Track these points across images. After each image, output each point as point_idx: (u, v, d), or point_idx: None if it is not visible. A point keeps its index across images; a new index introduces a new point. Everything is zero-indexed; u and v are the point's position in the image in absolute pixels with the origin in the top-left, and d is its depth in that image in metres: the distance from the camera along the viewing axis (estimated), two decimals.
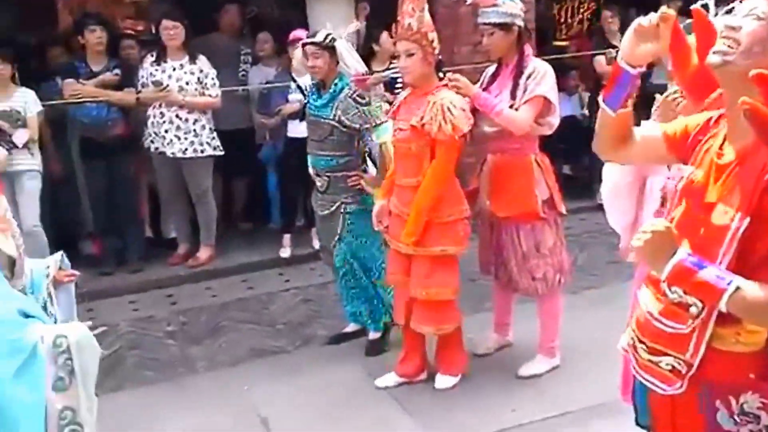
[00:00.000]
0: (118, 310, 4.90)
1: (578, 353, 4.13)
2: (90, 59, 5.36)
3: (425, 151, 3.72)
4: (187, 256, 5.61)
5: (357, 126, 4.10)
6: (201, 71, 5.35)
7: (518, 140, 3.85)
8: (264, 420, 3.82)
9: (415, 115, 3.70)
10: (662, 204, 2.87)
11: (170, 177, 5.52)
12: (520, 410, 3.73)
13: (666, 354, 1.89)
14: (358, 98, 4.10)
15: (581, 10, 7.87)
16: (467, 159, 4.16)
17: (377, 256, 4.31)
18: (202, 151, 5.38)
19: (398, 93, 5.10)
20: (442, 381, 3.99)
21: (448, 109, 3.62)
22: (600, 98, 1.99)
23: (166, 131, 5.31)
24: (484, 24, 3.87)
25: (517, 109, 3.78)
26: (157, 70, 5.31)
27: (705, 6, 2.20)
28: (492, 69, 4.03)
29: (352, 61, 4.19)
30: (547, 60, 4.06)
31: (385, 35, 5.61)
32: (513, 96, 3.80)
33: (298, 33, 5.13)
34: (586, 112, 7.11)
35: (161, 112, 5.32)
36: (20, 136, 4.97)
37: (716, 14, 2.16)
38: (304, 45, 4.20)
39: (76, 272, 2.74)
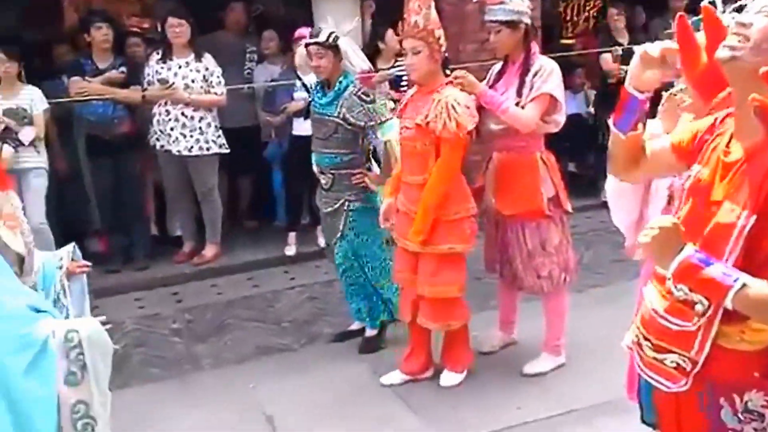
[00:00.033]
0: (124, 308, 4.91)
1: (584, 351, 4.12)
2: (96, 57, 5.37)
3: (430, 149, 3.72)
4: (193, 254, 5.62)
5: (362, 124, 4.10)
6: (207, 69, 5.35)
7: (524, 138, 3.84)
8: (269, 417, 3.83)
9: (420, 113, 3.70)
10: (669, 202, 2.86)
11: (176, 175, 5.53)
12: (525, 408, 3.73)
13: (671, 351, 1.89)
14: (362, 96, 4.10)
15: (587, 8, 7.85)
16: (473, 157, 4.16)
17: (379, 254, 4.31)
18: (207, 149, 5.39)
19: (404, 91, 5.10)
20: (448, 378, 3.99)
21: (453, 106, 3.62)
22: (611, 122, 2.05)
23: (172, 129, 5.32)
24: (491, 21, 3.87)
25: (523, 107, 3.78)
26: (162, 68, 5.32)
27: (713, 3, 2.19)
28: (498, 66, 4.03)
29: (356, 59, 4.19)
30: (552, 58, 4.05)
31: (390, 33, 5.61)
32: (519, 94, 3.79)
33: (304, 31, 5.12)
34: (592, 110, 7.11)
35: (167, 110, 5.33)
36: (26, 134, 4.98)
37: (723, 11, 2.16)
38: (307, 45, 4.19)
39: (89, 263, 2.76)
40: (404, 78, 5.42)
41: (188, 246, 5.69)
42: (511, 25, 3.81)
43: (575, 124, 6.08)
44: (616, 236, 3.19)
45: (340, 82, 4.13)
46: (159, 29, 5.72)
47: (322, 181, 4.30)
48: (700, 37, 2.18)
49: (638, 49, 1.94)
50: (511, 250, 3.97)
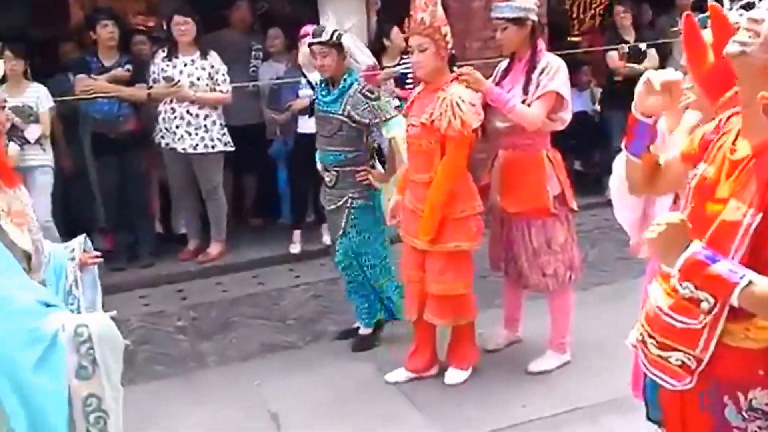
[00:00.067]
0: (129, 305, 4.91)
1: (589, 349, 4.12)
2: (101, 54, 5.38)
3: (436, 147, 3.72)
4: (198, 252, 5.62)
5: (367, 121, 4.10)
6: (212, 67, 5.36)
7: (530, 136, 3.83)
8: (274, 415, 3.83)
9: (426, 111, 3.70)
10: (675, 201, 2.85)
11: (181, 173, 5.54)
12: (530, 406, 3.72)
13: (676, 349, 1.89)
14: (367, 93, 4.10)
15: (593, 6, 7.83)
16: (479, 155, 4.15)
17: (380, 252, 4.31)
18: (212, 147, 5.39)
19: (409, 88, 5.10)
20: (453, 375, 3.99)
21: (457, 104, 3.61)
22: (623, 147, 2.09)
23: (177, 127, 5.33)
24: (498, 18, 3.86)
25: (529, 105, 3.77)
26: (168, 65, 5.33)
27: (719, 0, 2.19)
28: (504, 64, 4.02)
29: (361, 56, 4.18)
30: (558, 55, 4.04)
31: (395, 30, 5.61)
32: (525, 91, 3.79)
33: (309, 28, 5.10)
34: (598, 107, 7.08)
35: (172, 108, 5.33)
36: (32, 132, 4.99)
37: (731, 8, 2.15)
38: (310, 45, 4.19)
39: (100, 254, 2.77)
40: (409, 75, 5.42)
41: (193, 244, 5.69)
42: (518, 22, 3.81)
43: (581, 122, 6.06)
44: (622, 234, 3.18)
45: (345, 80, 4.13)
46: (164, 27, 5.72)
47: (326, 179, 4.30)
48: (707, 34, 2.18)
49: (643, 77, 1.99)
50: (517, 248, 3.96)
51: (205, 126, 5.34)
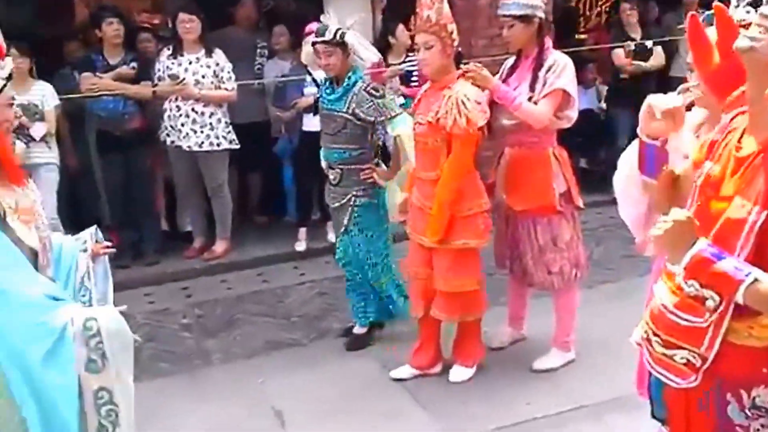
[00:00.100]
0: (134, 303, 4.90)
1: (594, 347, 4.11)
2: (107, 52, 5.39)
3: (442, 145, 3.71)
4: (203, 250, 5.64)
5: (371, 119, 4.09)
6: (217, 65, 5.36)
7: (536, 133, 3.82)
8: (278, 412, 3.83)
9: (431, 109, 3.69)
10: None
11: (186, 170, 5.55)
12: (535, 404, 3.72)
13: (680, 347, 1.89)
14: (372, 91, 4.09)
15: (600, 3, 7.82)
16: (485, 152, 4.14)
17: (382, 251, 4.30)
18: (218, 145, 5.40)
19: (414, 86, 5.09)
20: (458, 373, 3.98)
21: (463, 102, 3.60)
22: (638, 172, 2.15)
23: (183, 125, 5.34)
24: (505, 15, 3.84)
25: (536, 103, 3.76)
26: (173, 63, 5.34)
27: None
28: (511, 61, 4.00)
29: (365, 53, 4.17)
30: (564, 53, 4.03)
31: (401, 28, 5.60)
32: (532, 89, 3.77)
33: (314, 26, 5.11)
34: (604, 105, 7.07)
35: (177, 106, 5.34)
36: (38, 130, 5.01)
37: (737, 6, 2.14)
38: (314, 44, 4.18)
39: (111, 244, 2.77)
40: (415, 73, 5.41)
41: (198, 241, 5.70)
42: (525, 19, 3.79)
43: (587, 120, 6.05)
44: (627, 232, 3.16)
45: (349, 78, 4.12)
46: (170, 25, 5.74)
47: (331, 177, 4.30)
48: (713, 32, 2.17)
49: (645, 102, 2.03)
50: (522, 246, 3.95)
51: (211, 124, 5.35)
